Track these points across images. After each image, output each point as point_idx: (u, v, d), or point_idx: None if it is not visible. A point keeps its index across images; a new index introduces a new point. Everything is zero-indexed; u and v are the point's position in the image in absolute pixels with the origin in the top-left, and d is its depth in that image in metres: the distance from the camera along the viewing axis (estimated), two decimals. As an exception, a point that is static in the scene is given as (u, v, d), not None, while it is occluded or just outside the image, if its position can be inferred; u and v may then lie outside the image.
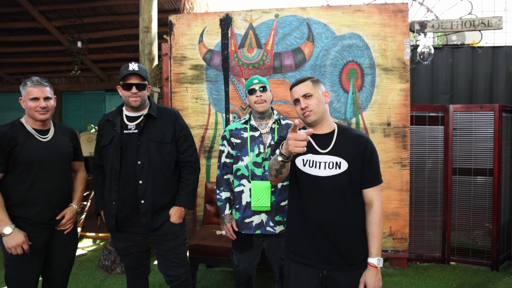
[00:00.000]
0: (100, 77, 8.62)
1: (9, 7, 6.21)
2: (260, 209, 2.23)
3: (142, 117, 2.19)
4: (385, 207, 3.50)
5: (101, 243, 4.47)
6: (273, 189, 2.25)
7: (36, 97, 2.02)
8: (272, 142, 2.27)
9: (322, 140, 1.72)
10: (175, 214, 2.23)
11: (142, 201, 2.13)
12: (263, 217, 2.26)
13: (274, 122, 2.33)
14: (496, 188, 3.50)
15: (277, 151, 1.59)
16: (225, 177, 2.38)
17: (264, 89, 2.26)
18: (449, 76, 4.46)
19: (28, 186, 2.02)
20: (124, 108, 2.26)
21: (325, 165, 1.68)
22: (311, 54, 3.52)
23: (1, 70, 8.70)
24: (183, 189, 2.26)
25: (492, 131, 3.51)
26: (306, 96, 1.70)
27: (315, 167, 1.69)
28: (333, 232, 1.66)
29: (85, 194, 4.18)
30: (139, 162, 2.13)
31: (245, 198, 2.30)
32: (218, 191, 2.37)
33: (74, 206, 2.25)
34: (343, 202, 1.66)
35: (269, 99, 2.29)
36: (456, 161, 3.63)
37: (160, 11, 4.45)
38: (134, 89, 2.11)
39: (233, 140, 2.35)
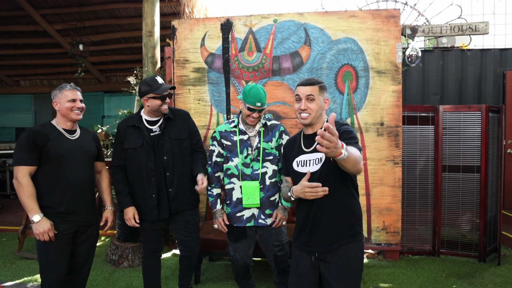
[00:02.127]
0: (99, 78, 8.75)
1: (12, 10, 6.34)
2: (251, 206, 2.51)
3: (161, 120, 2.57)
4: (379, 202, 3.69)
5: (106, 239, 4.61)
6: (261, 185, 2.52)
7: (74, 98, 2.30)
8: (259, 145, 2.51)
9: (310, 140, 1.87)
10: (202, 179, 2.50)
11: (170, 190, 2.52)
12: (254, 211, 2.53)
13: (261, 126, 2.56)
14: (483, 184, 3.70)
15: (289, 193, 1.88)
16: (216, 175, 2.63)
17: (261, 111, 2.48)
18: (440, 78, 4.67)
19: (57, 178, 2.21)
20: (144, 114, 2.58)
21: (311, 162, 1.83)
22: (308, 57, 3.70)
23: (1, 72, 8.79)
24: (198, 167, 2.60)
25: (480, 130, 3.70)
26: (308, 98, 1.82)
27: (305, 165, 1.86)
28: (324, 223, 1.81)
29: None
30: (165, 158, 2.51)
31: (235, 195, 2.56)
32: (209, 188, 2.62)
33: (110, 208, 2.52)
34: (329, 194, 1.74)
35: (262, 116, 2.54)
36: (445, 159, 3.82)
37: (160, 15, 4.60)
38: (167, 100, 2.53)
39: (223, 141, 2.58)
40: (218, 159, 2.60)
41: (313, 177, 1.80)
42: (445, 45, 4.76)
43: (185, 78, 3.88)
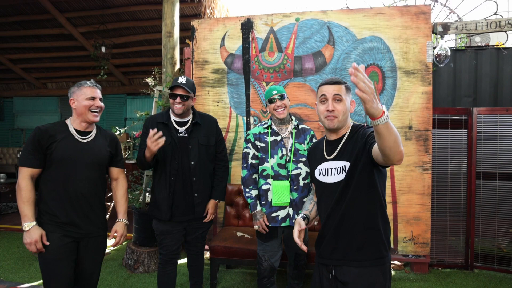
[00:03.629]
0: (122, 81, 8.83)
1: (38, 14, 6.47)
2: (280, 205, 2.51)
3: (189, 123, 2.54)
4: (406, 211, 3.47)
5: (124, 243, 4.57)
6: (295, 186, 2.53)
7: (93, 96, 2.11)
8: (294, 146, 2.53)
9: (332, 146, 1.71)
10: (213, 207, 2.62)
11: (196, 194, 2.52)
12: (290, 211, 2.54)
13: (293, 128, 2.58)
14: (522, 193, 3.42)
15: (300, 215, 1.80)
16: (253, 176, 2.60)
17: (282, 97, 2.50)
18: (473, 79, 4.38)
19: (58, 184, 2.04)
20: (171, 113, 2.56)
21: (333, 171, 1.67)
22: (331, 57, 3.54)
23: (29, 75, 9.03)
24: (218, 185, 2.66)
25: (518, 135, 3.43)
26: (335, 98, 1.65)
27: (326, 174, 1.70)
28: (343, 236, 1.65)
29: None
30: (192, 163, 2.50)
31: (270, 195, 2.56)
32: (247, 190, 2.59)
33: (121, 221, 2.27)
34: (350, 206, 1.61)
35: (287, 105, 2.54)
36: (480, 165, 3.56)
37: (181, 16, 4.54)
38: (178, 99, 2.43)
39: (257, 143, 2.59)
40: (254, 161, 2.60)
41: (335, 188, 1.65)
42: (479, 44, 4.47)
43: (204, 79, 3.79)
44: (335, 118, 1.65)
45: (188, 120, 2.55)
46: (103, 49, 5.85)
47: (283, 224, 2.53)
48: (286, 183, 2.51)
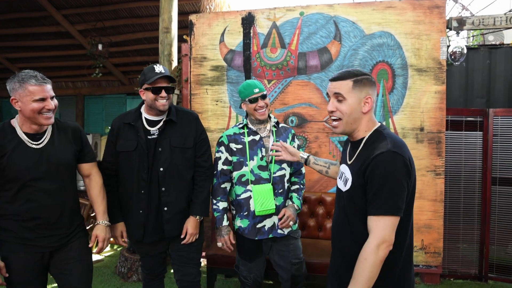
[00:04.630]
0: (121, 80, 8.65)
1: (34, 11, 6.30)
2: (265, 213, 2.17)
3: (162, 122, 2.10)
4: (417, 218, 3.24)
5: (118, 249, 4.37)
6: (281, 190, 2.24)
7: (43, 97, 1.71)
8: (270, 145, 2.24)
9: (351, 149, 1.49)
10: (192, 225, 2.14)
11: (165, 209, 2.07)
12: (275, 219, 2.23)
13: (272, 126, 2.31)
14: (542, 200, 3.20)
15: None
16: (222, 186, 2.27)
17: (264, 96, 2.21)
18: (486, 79, 4.16)
19: (20, 205, 1.75)
20: (144, 111, 2.14)
21: (343, 177, 1.49)
22: (338, 54, 3.32)
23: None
24: (197, 197, 2.17)
25: (537, 138, 3.21)
26: (338, 97, 1.40)
27: (340, 178, 1.52)
28: (338, 254, 1.48)
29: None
30: (161, 169, 2.06)
31: (253, 204, 2.22)
32: (215, 201, 2.27)
33: (101, 223, 1.98)
34: (349, 224, 1.42)
35: (269, 104, 2.27)
36: (496, 170, 3.34)
37: (180, 13, 4.35)
38: (163, 93, 2.02)
39: (232, 146, 2.27)
40: (225, 167, 2.26)
41: (341, 196, 1.48)
42: (493, 43, 4.25)
43: (202, 77, 3.58)
44: (338, 120, 1.41)
45: (162, 119, 2.11)
46: (99, 46, 5.65)
47: (270, 236, 2.23)
48: (269, 186, 2.19)
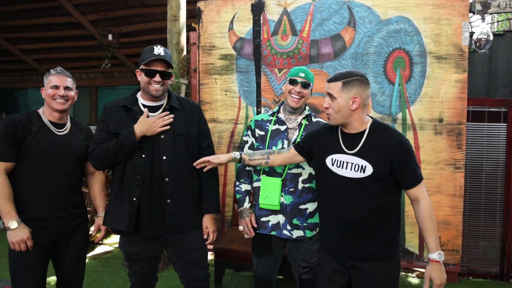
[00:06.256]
0: (134, 71, 8.62)
1: (45, 2, 6.28)
2: (268, 207, 2.10)
3: (162, 108, 1.97)
4: (435, 214, 3.08)
5: (127, 240, 4.35)
6: (292, 189, 2.10)
7: (56, 85, 1.97)
8: (298, 139, 2.10)
9: (350, 140, 1.71)
10: (211, 223, 2.06)
11: (168, 200, 1.92)
12: (280, 218, 2.10)
13: (304, 118, 2.16)
14: None
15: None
16: (247, 168, 2.22)
17: (306, 85, 2.08)
18: (511, 67, 3.94)
19: (35, 181, 1.92)
20: (139, 96, 2.01)
21: (351, 167, 1.67)
22: (352, 41, 3.16)
23: (41, 66, 8.92)
24: (208, 194, 2.06)
25: None
26: (330, 96, 1.69)
27: (342, 167, 1.70)
28: (353, 231, 1.69)
29: (109, 191, 4.05)
30: (164, 158, 1.90)
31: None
32: (238, 183, 2.23)
33: (102, 215, 2.14)
34: (365, 204, 1.66)
35: (307, 96, 2.13)
36: (520, 164, 3.15)
37: (189, 2, 4.23)
38: (157, 77, 1.88)
39: (257, 131, 2.20)
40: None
41: (348, 183, 1.68)
42: (519, 28, 4.00)
43: (211, 66, 3.47)
44: (330, 116, 1.71)
45: (162, 104, 1.99)
46: (109, 36, 5.59)
47: (272, 233, 2.11)
48: (277, 180, 2.07)
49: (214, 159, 1.96)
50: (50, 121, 2.01)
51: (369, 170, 1.63)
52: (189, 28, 3.95)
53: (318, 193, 1.88)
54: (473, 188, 3.26)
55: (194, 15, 5.14)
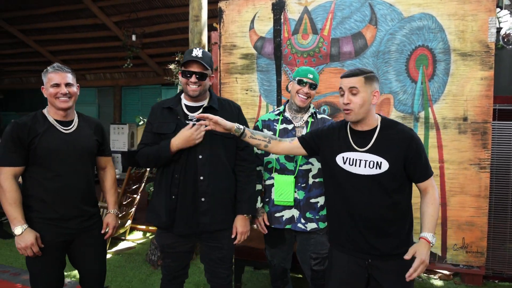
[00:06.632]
0: (156, 71, 8.79)
1: (72, 4, 6.50)
2: (282, 203, 2.19)
3: (202, 109, 2.03)
4: (458, 214, 3.03)
5: (150, 236, 4.45)
6: (303, 184, 2.20)
7: (57, 83, 1.90)
8: None
9: (361, 138, 1.72)
10: (241, 224, 2.07)
11: (203, 199, 1.98)
12: (294, 212, 2.21)
13: (309, 116, 2.26)
14: None
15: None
16: (257, 168, 2.27)
17: (313, 86, 2.18)
18: (541, 64, 3.79)
19: (46, 180, 1.89)
20: (183, 97, 2.09)
21: (365, 164, 1.69)
22: (373, 39, 3.13)
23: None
24: (243, 194, 2.07)
25: None
26: (351, 91, 1.67)
27: (355, 165, 1.71)
28: (371, 228, 1.70)
29: (134, 187, 4.16)
30: (200, 157, 1.97)
31: (274, 193, 2.24)
32: None
33: (112, 212, 2.15)
34: (382, 201, 1.68)
35: (313, 97, 2.24)
36: (550, 164, 3.04)
37: (210, 2, 4.28)
38: (193, 78, 1.94)
39: (265, 131, 2.26)
40: (259, 151, 2.27)
41: (363, 180, 1.69)
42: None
43: (232, 65, 3.51)
44: (351, 111, 1.67)
45: (203, 105, 2.04)
46: (133, 37, 5.74)
47: (287, 226, 2.21)
48: (291, 178, 2.16)
49: (219, 118, 1.85)
50: (56, 120, 1.95)
51: (385, 165, 1.65)
52: (211, 28, 4.00)
53: (328, 191, 1.89)
54: (500, 188, 3.17)
55: (215, 15, 5.20)
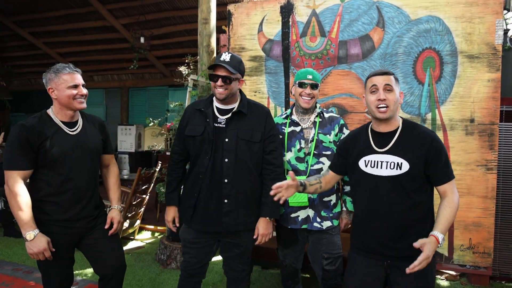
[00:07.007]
0: (164, 73, 8.87)
1: (81, 7, 6.59)
2: (297, 204, 2.21)
3: (231, 113, 2.06)
4: (465, 215, 3.05)
5: (159, 236, 4.50)
6: None
7: (75, 84, 1.89)
8: (316, 137, 2.23)
9: (382, 139, 1.74)
10: (263, 226, 2.09)
11: (226, 201, 2.04)
12: (310, 212, 2.23)
13: (316, 116, 2.28)
14: None
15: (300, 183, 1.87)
16: None
17: (314, 86, 2.21)
18: (548, 66, 3.80)
19: (56, 183, 1.89)
20: (214, 99, 2.12)
21: (386, 165, 1.70)
22: (381, 41, 3.16)
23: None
24: (267, 197, 2.03)
25: None
26: (386, 88, 1.69)
27: (376, 167, 1.72)
28: (393, 230, 1.70)
29: (143, 187, 4.22)
30: (226, 160, 2.03)
31: None
32: None
33: (116, 208, 2.14)
34: (403, 202, 1.68)
35: (316, 96, 2.26)
36: (557, 165, 3.05)
37: (219, 4, 4.35)
38: (219, 82, 1.98)
39: None
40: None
41: (384, 182, 1.70)
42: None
43: (240, 67, 3.56)
44: (387, 108, 1.68)
45: (233, 108, 2.07)
46: (142, 39, 5.81)
47: (303, 226, 2.24)
48: (303, 179, 2.15)
49: (283, 185, 1.79)
50: (62, 121, 1.93)
51: (406, 166, 1.66)
52: (219, 31, 4.06)
53: (355, 198, 1.91)
54: (507, 189, 3.18)
55: (224, 17, 5.26)
